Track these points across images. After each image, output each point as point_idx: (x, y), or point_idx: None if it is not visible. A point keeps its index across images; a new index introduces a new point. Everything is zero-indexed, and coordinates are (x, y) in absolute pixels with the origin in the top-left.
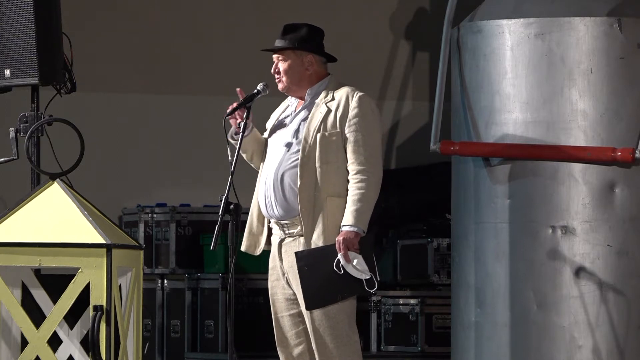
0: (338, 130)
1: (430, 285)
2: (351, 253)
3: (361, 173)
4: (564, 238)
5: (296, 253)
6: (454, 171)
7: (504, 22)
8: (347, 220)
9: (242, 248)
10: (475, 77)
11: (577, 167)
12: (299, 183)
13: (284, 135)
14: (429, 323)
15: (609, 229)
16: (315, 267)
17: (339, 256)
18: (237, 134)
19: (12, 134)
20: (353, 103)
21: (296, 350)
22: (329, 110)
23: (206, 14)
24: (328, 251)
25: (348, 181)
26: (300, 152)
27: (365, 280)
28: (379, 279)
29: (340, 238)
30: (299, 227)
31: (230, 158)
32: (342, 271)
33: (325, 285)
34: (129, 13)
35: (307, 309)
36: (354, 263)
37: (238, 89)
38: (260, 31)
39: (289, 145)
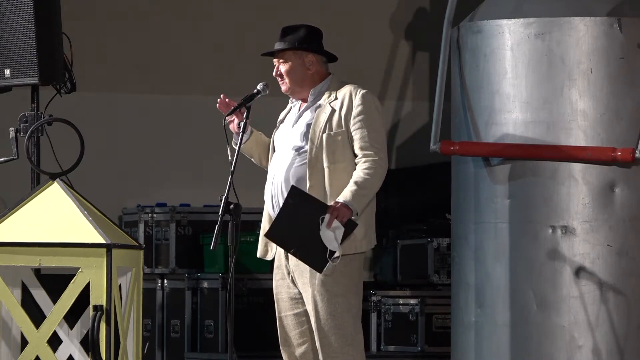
0: (343, 129)
1: (430, 285)
2: (336, 222)
3: (370, 162)
4: (564, 238)
5: (293, 186)
6: (454, 171)
7: (504, 22)
8: (347, 196)
9: (257, 254)
10: (475, 77)
11: (577, 167)
12: (308, 184)
13: (290, 137)
14: (429, 323)
15: (609, 229)
16: (299, 209)
17: (326, 217)
18: (237, 133)
19: (12, 134)
20: (356, 100)
21: (299, 350)
22: (333, 110)
23: (206, 14)
24: (320, 205)
25: None
26: (307, 154)
27: (329, 254)
28: (335, 264)
29: (337, 206)
30: None
31: (230, 158)
32: (319, 229)
33: (294, 229)
34: (129, 13)
35: (265, 234)
36: (335, 231)
37: (222, 96)
38: (261, 31)
39: (295, 147)
